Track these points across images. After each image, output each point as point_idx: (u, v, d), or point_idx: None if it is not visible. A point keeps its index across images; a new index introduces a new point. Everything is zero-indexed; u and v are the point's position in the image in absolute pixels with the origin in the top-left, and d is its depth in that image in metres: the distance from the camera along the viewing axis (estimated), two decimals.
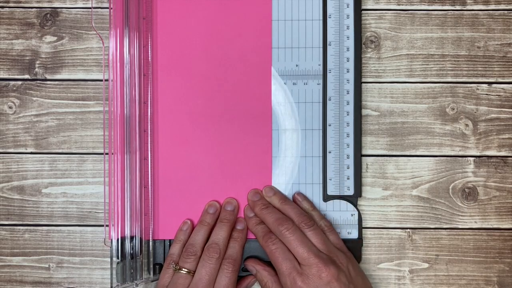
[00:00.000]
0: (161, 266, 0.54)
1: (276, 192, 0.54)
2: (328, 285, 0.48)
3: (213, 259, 0.50)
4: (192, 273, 0.50)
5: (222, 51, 0.55)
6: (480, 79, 0.56)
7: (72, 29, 0.56)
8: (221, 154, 0.54)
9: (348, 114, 0.55)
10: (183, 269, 0.50)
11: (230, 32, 0.55)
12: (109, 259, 0.54)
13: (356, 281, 0.49)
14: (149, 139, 0.54)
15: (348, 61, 0.55)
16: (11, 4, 0.56)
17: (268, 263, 0.53)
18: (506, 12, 0.56)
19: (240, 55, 0.55)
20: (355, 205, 0.55)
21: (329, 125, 0.54)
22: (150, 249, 0.53)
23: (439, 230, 0.55)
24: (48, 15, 0.56)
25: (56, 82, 0.55)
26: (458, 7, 0.56)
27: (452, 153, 0.56)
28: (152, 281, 0.53)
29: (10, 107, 0.55)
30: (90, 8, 0.56)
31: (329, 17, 0.55)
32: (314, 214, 0.53)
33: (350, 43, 0.55)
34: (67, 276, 0.55)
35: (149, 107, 0.54)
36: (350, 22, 0.55)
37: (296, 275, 0.48)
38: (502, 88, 0.56)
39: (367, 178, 0.55)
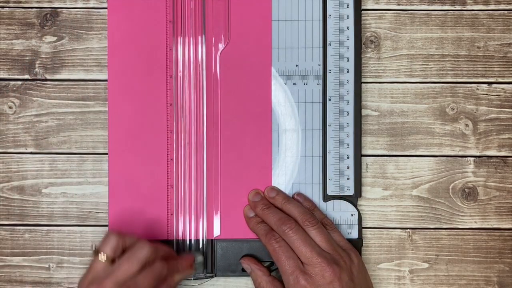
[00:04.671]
0: None
1: (279, 192, 0.54)
2: (331, 284, 0.48)
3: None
4: None
5: (222, 51, 0.55)
6: (480, 79, 0.56)
7: (72, 29, 0.56)
8: (221, 154, 0.54)
9: (348, 114, 0.54)
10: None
11: (230, 32, 0.55)
12: None
13: (357, 279, 0.49)
14: (174, 139, 0.54)
15: (348, 61, 0.55)
16: (11, 4, 0.56)
17: (267, 263, 0.53)
18: (506, 12, 0.56)
19: (240, 55, 0.55)
20: (355, 205, 0.55)
21: (329, 125, 0.54)
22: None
23: (439, 230, 0.55)
24: (48, 15, 0.56)
25: (56, 82, 0.55)
26: (458, 7, 0.56)
27: (452, 153, 0.56)
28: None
29: (10, 107, 0.55)
30: (90, 8, 0.56)
31: (329, 17, 0.55)
32: (316, 213, 0.53)
33: (350, 43, 0.55)
34: (67, 276, 0.55)
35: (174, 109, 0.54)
36: (350, 22, 0.55)
37: (299, 274, 0.48)
38: (502, 88, 0.56)
39: (367, 178, 0.55)
